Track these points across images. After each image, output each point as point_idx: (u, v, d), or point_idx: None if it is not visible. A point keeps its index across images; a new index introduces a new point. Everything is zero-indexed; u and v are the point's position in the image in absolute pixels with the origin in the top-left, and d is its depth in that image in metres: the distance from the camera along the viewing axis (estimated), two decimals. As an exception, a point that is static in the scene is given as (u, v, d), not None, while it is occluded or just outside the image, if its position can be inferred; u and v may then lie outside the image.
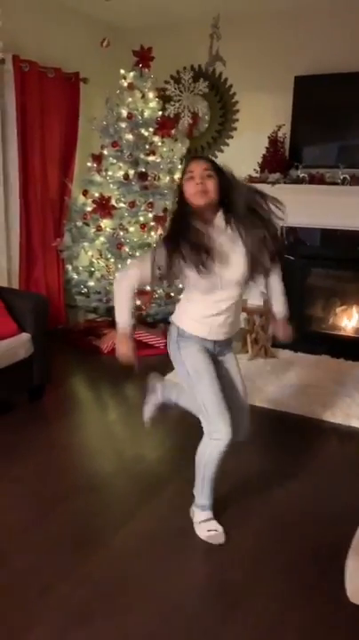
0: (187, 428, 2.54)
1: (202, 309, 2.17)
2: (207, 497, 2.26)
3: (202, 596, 1.97)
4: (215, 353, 2.26)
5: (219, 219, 2.09)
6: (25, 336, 3.30)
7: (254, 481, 2.69)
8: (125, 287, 2.19)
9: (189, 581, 2.04)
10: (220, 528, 2.25)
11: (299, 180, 4.41)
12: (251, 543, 2.24)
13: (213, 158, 2.26)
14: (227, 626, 1.81)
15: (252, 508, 2.46)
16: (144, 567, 2.09)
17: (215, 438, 2.11)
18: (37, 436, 3.10)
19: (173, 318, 2.28)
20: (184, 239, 2.03)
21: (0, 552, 2.14)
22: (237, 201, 2.04)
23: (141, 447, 3.05)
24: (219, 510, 2.32)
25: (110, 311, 4.66)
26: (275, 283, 2.36)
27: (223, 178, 2.08)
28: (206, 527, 2.25)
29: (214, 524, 2.26)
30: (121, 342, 2.24)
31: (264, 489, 2.61)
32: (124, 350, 2.23)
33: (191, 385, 2.18)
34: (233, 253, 2.08)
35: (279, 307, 2.41)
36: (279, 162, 4.51)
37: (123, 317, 2.21)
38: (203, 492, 2.25)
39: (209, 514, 2.28)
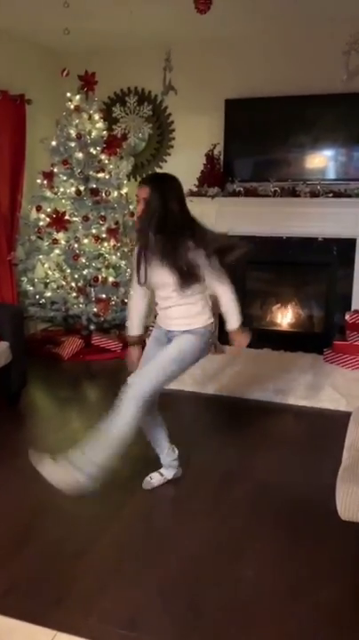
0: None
1: (158, 302, 2.59)
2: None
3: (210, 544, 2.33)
4: (168, 339, 2.59)
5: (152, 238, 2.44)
6: (4, 344, 3.51)
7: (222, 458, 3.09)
8: (132, 304, 2.70)
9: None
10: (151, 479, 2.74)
11: (235, 193, 4.92)
12: (243, 503, 2.65)
13: (155, 175, 2.59)
14: (239, 563, 2.20)
15: (233, 476, 2.87)
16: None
17: None
18: (17, 443, 3.27)
19: None
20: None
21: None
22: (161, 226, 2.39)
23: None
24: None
25: (67, 320, 4.93)
26: (223, 298, 2.50)
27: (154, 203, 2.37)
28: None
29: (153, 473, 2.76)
30: (129, 350, 2.72)
31: (233, 461, 3.02)
32: (131, 357, 2.69)
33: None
34: (157, 266, 2.44)
35: (229, 320, 2.55)
36: (216, 177, 4.99)
37: (130, 329, 2.69)
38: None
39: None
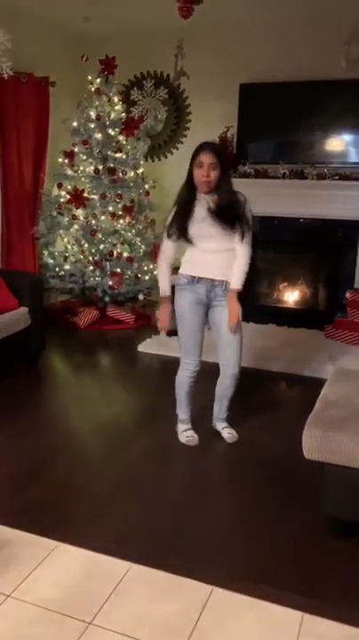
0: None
1: (192, 252, 2.82)
2: (184, 412, 3.02)
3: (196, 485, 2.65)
4: (210, 298, 2.82)
5: (210, 196, 2.74)
6: (24, 309, 3.85)
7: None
8: (161, 261, 2.88)
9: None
10: (196, 435, 3.00)
11: (246, 175, 5.14)
12: (231, 454, 2.95)
13: (216, 144, 2.84)
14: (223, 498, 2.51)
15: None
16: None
17: (184, 368, 2.92)
18: (35, 398, 3.65)
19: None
20: (184, 205, 2.75)
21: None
22: (225, 188, 2.74)
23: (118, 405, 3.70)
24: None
25: (84, 291, 5.25)
26: (240, 255, 2.81)
27: (224, 167, 2.73)
28: (185, 435, 3.02)
29: (191, 432, 3.02)
30: (162, 306, 2.90)
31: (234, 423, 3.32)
32: (164, 314, 2.89)
33: (177, 325, 2.90)
34: (205, 217, 2.73)
35: (234, 278, 2.80)
36: (229, 158, 5.21)
37: (163, 286, 2.87)
38: (180, 408, 3.02)
39: (187, 425, 3.04)
